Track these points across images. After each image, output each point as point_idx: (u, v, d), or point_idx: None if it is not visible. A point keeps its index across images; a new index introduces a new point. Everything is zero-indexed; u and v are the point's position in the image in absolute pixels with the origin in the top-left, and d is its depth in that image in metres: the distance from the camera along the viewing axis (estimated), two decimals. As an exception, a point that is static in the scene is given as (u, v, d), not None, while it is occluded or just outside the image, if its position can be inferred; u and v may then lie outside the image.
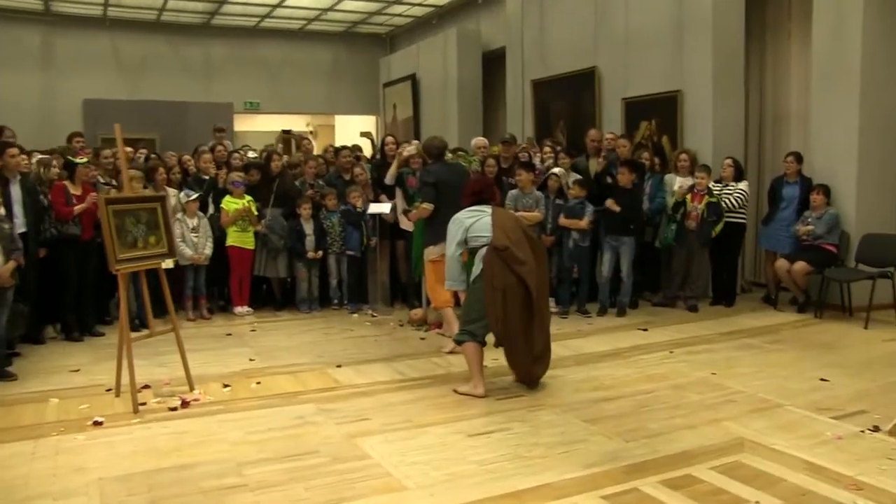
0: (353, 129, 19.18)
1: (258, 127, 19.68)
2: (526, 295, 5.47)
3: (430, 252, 7.12)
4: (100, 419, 5.14)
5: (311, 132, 21.15)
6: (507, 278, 5.44)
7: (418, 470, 4.30)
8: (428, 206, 7.04)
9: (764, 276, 9.71)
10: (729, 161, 9.03)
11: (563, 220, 8.45)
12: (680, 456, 4.50)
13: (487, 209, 5.78)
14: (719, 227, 8.65)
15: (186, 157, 9.78)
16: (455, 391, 5.73)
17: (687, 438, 4.79)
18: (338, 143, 19.05)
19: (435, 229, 7.02)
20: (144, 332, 5.93)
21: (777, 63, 10.22)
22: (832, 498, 3.89)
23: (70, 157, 7.69)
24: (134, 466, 4.38)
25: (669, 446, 4.66)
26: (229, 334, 7.91)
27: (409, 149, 8.71)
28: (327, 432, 4.94)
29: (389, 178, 8.57)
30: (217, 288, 9.26)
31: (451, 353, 6.85)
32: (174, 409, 5.43)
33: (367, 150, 12.26)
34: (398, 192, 8.73)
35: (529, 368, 5.72)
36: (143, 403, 5.50)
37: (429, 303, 8.33)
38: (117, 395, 5.68)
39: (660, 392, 5.78)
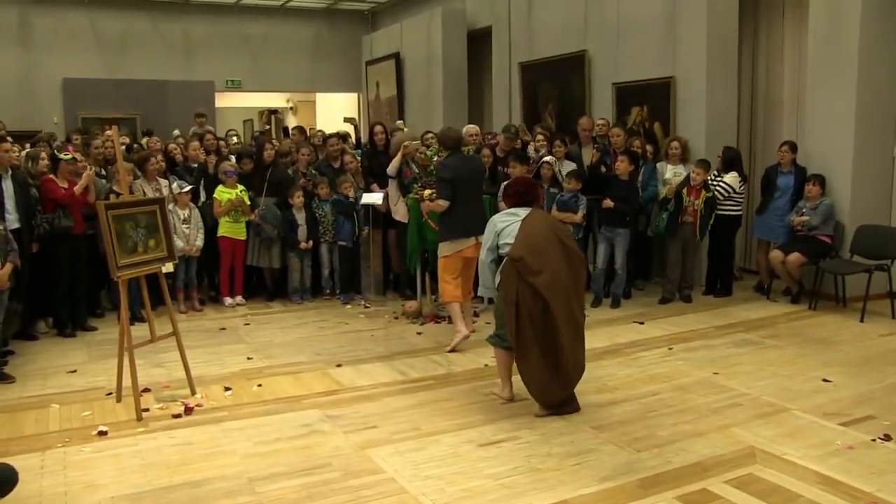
0: (335, 107, 19.04)
1: (239, 103, 19.50)
2: (545, 309, 5.20)
3: (443, 248, 7.00)
4: (104, 429, 5.06)
5: (290, 108, 20.99)
6: (522, 290, 5.19)
7: (433, 486, 4.26)
8: (443, 203, 6.90)
9: (756, 263, 9.74)
10: (719, 152, 9.01)
11: (556, 213, 8.38)
12: (693, 468, 4.49)
13: (524, 212, 5.51)
14: (711, 220, 8.65)
15: (172, 145, 9.64)
16: (491, 392, 5.75)
17: (697, 448, 4.78)
18: (319, 120, 19.05)
19: (449, 225, 6.96)
20: (146, 338, 5.79)
21: (770, 46, 10.16)
22: (852, 516, 3.90)
23: (56, 153, 7.54)
24: (144, 483, 4.31)
25: (681, 457, 4.65)
26: (223, 328, 7.84)
27: (414, 143, 8.58)
28: (336, 442, 4.89)
29: (392, 170, 8.39)
30: (207, 278, 9.16)
31: (452, 351, 6.84)
32: (178, 416, 5.36)
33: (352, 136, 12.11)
34: (392, 182, 8.60)
35: (545, 390, 5.29)
36: (146, 409, 5.42)
37: (424, 293, 8.30)
38: (118, 401, 5.60)
39: (664, 394, 5.77)
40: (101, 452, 4.75)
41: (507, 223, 5.47)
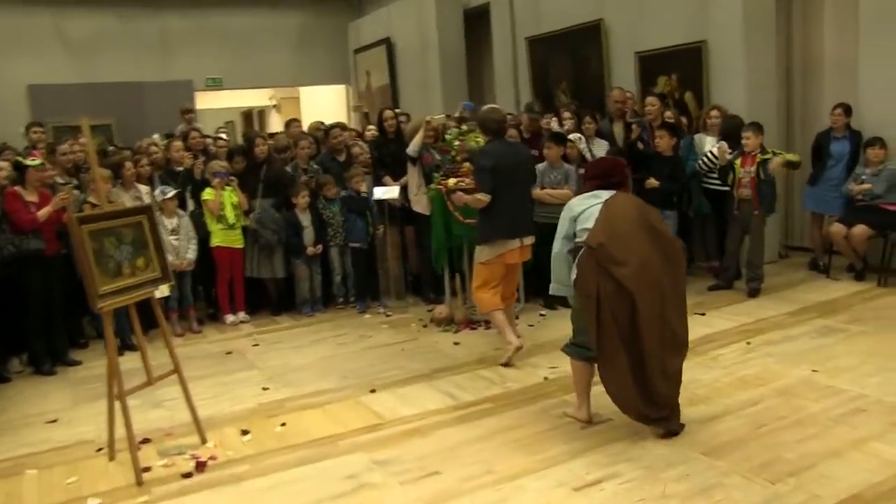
0: (321, 101, 18.03)
1: (220, 104, 18.47)
2: (633, 307, 4.27)
3: (482, 253, 5.99)
4: (96, 502, 4.03)
5: (274, 106, 20.02)
6: (604, 284, 4.28)
7: (533, 554, 3.29)
8: (484, 198, 5.89)
9: (808, 239, 8.81)
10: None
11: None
12: (850, 502, 3.53)
13: (606, 194, 4.56)
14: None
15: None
16: (564, 413, 4.83)
17: (840, 472, 3.83)
18: (304, 116, 17.99)
19: (489, 224, 5.95)
20: (139, 376, 4.74)
21: (807, 1, 9.19)
22: None
23: (20, 159, 6.50)
24: (155, 580, 3.31)
25: (827, 488, 3.69)
26: (229, 352, 6.78)
27: (439, 118, 7.56)
28: (394, 499, 3.88)
29: (413, 149, 7.41)
30: (203, 292, 8.13)
31: (505, 364, 5.85)
32: (188, 475, 4.31)
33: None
34: (411, 170, 7.59)
35: (634, 404, 4.41)
36: (147, 469, 4.37)
37: (454, 295, 7.33)
38: (112, 459, 4.54)
39: (768, 402, 4.82)
40: (94, 536, 3.75)
41: (585, 206, 4.53)
